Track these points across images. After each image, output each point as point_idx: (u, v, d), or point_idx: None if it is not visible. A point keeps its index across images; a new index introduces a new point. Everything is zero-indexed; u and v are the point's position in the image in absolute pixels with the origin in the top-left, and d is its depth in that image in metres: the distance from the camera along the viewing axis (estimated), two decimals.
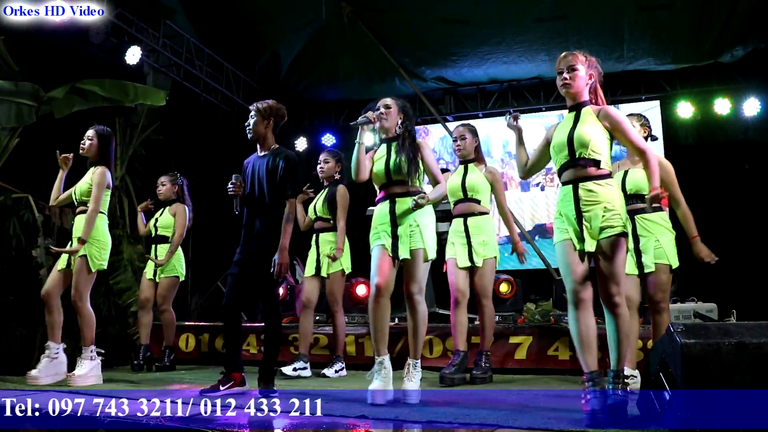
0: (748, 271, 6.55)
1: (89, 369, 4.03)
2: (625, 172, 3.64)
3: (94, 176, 4.16)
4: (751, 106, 7.14)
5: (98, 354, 4.14)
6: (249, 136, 3.65)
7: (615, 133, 2.77)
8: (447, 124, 7.85)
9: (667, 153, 7.36)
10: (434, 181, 3.43)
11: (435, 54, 7.58)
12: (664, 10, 6.49)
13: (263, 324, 3.58)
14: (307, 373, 4.52)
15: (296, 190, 3.59)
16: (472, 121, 7.67)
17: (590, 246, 2.68)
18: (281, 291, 6.18)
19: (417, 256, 3.25)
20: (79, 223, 4.12)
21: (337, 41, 7.45)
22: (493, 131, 8.04)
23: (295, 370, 4.48)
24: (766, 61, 6.90)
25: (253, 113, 3.64)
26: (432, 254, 3.31)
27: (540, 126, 7.58)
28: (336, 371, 4.52)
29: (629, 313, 3.54)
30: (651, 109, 7.48)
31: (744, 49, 6.78)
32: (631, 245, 3.52)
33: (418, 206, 3.19)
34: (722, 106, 7.28)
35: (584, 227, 2.69)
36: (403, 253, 3.24)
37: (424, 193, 3.27)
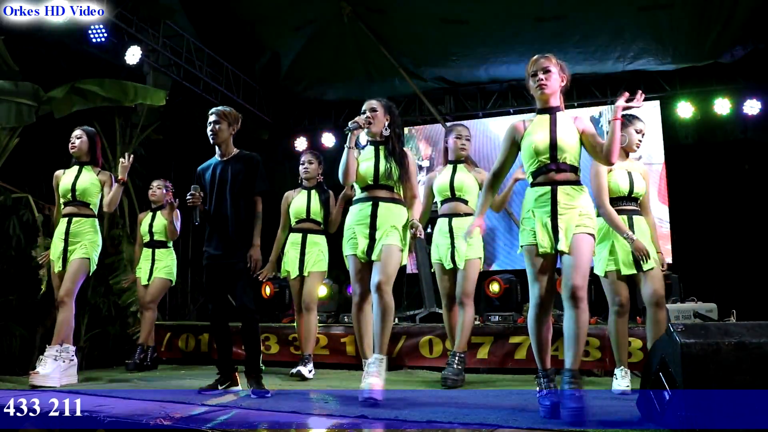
0: (748, 271, 6.55)
1: (53, 368, 3.90)
2: (629, 173, 3.64)
3: (103, 177, 4.25)
4: (751, 106, 7.14)
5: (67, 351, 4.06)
6: (212, 140, 3.70)
7: (586, 136, 2.82)
8: (449, 123, 7.85)
9: (667, 153, 7.37)
10: (411, 194, 3.46)
11: (435, 54, 7.57)
12: (664, 10, 6.48)
13: (240, 324, 3.59)
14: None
15: (263, 188, 3.70)
16: (472, 121, 7.73)
17: (564, 246, 2.72)
18: (269, 291, 6.16)
19: (392, 252, 3.28)
20: (77, 227, 4.14)
21: (337, 41, 7.45)
22: (492, 131, 8.03)
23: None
24: (766, 61, 6.89)
25: (217, 118, 3.68)
26: (405, 259, 3.39)
27: None
28: (309, 371, 4.45)
29: (624, 318, 3.59)
30: (651, 109, 7.49)
31: (744, 49, 6.78)
32: (628, 246, 3.53)
33: (415, 237, 3.30)
34: (722, 106, 7.27)
35: (559, 229, 2.73)
36: (377, 253, 3.29)
37: (415, 220, 3.32)
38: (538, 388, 2.76)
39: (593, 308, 5.21)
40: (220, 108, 3.76)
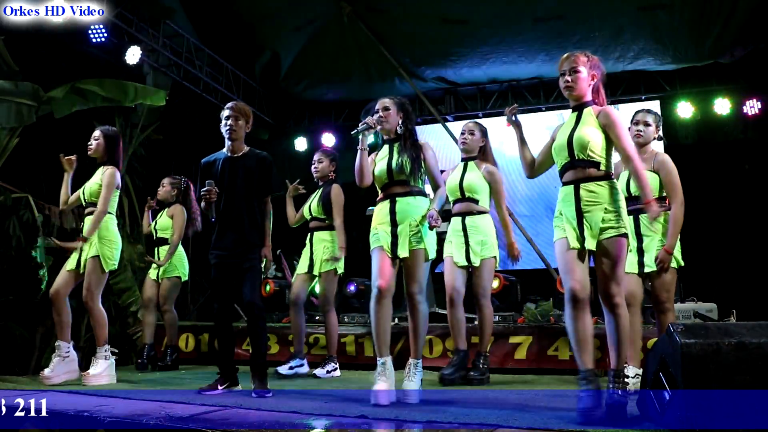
0: (748, 271, 6.55)
1: (103, 368, 4.04)
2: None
3: (103, 176, 4.15)
4: (751, 106, 7.14)
5: (112, 353, 4.14)
6: (228, 136, 3.64)
7: (609, 133, 2.77)
8: (447, 123, 7.85)
9: (667, 153, 7.30)
10: (434, 184, 3.44)
11: (435, 54, 7.58)
12: (664, 10, 6.48)
13: (247, 324, 3.59)
14: (304, 370, 4.54)
15: (275, 189, 3.69)
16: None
17: (591, 244, 2.70)
18: (268, 288, 6.17)
19: (417, 256, 3.26)
20: (88, 225, 4.11)
21: (337, 41, 7.45)
22: (493, 131, 8.01)
23: (291, 368, 4.49)
24: (766, 61, 6.90)
25: (236, 114, 3.63)
26: (432, 254, 3.33)
27: (540, 126, 7.58)
28: (328, 371, 4.48)
29: (632, 311, 3.56)
30: (651, 109, 7.49)
31: (744, 49, 6.78)
32: (634, 244, 3.52)
33: (433, 227, 3.24)
34: (722, 106, 7.27)
35: (585, 227, 2.70)
36: (403, 252, 3.24)
37: (434, 210, 3.26)
38: (578, 388, 2.66)
39: (594, 307, 5.24)
40: (236, 104, 3.69)
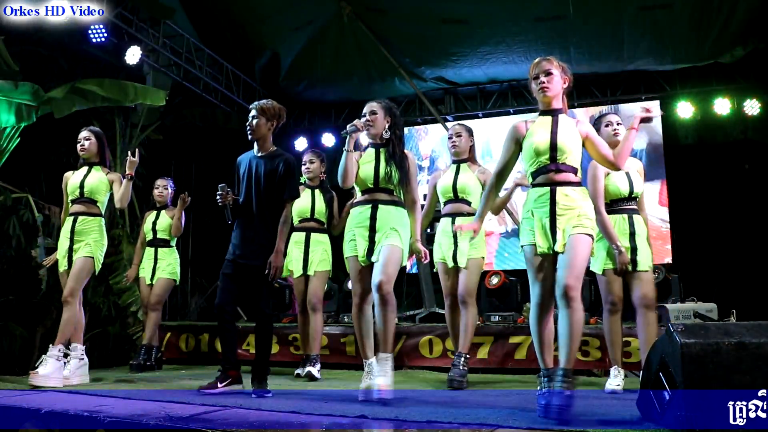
0: (748, 271, 6.55)
1: (54, 368, 3.84)
2: (627, 174, 3.64)
3: (111, 177, 4.23)
4: (751, 106, 7.14)
5: (65, 355, 4.01)
6: (250, 136, 3.63)
7: (589, 143, 2.87)
8: (447, 124, 7.85)
9: (667, 153, 7.37)
10: (410, 197, 3.45)
11: (435, 54, 7.58)
12: (664, 10, 6.48)
13: (254, 329, 3.59)
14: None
15: (294, 194, 3.62)
16: (472, 121, 7.73)
17: (560, 247, 2.73)
18: None
19: (392, 251, 3.26)
20: (83, 225, 4.11)
21: (337, 41, 7.45)
22: (493, 131, 8.04)
23: (318, 370, 4.49)
24: (766, 61, 6.90)
25: (256, 113, 3.60)
26: (405, 260, 3.38)
27: None
28: (318, 370, 4.46)
29: (614, 310, 3.58)
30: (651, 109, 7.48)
31: (744, 49, 6.78)
32: (627, 244, 3.54)
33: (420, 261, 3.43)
34: (722, 106, 7.27)
35: (558, 230, 2.73)
36: (376, 254, 3.28)
37: (417, 246, 3.45)
38: (538, 387, 2.76)
39: (593, 308, 5.25)
40: (260, 102, 3.66)
